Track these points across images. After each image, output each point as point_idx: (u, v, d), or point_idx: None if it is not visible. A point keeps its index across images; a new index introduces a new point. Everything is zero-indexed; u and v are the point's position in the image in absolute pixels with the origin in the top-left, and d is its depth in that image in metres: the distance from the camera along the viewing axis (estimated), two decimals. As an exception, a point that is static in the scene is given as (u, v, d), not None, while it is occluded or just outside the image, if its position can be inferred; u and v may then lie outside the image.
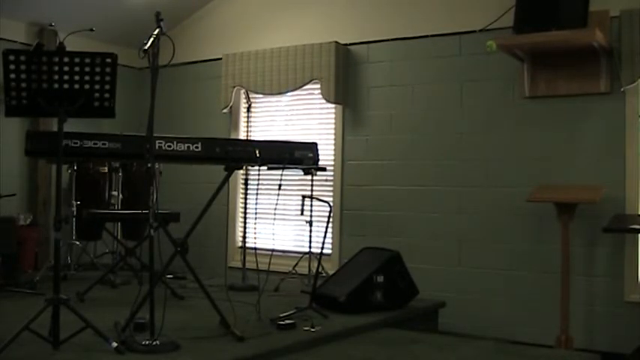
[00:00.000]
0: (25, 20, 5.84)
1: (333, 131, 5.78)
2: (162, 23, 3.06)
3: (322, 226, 4.19)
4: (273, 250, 4.75)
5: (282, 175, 3.84)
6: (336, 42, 5.59)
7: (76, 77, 3.07)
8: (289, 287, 5.00)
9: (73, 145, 3.44)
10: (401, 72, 5.45)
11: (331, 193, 5.68)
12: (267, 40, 6.05)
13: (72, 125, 3.20)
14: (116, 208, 5.57)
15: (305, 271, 5.20)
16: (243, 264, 5.27)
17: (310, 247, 5.10)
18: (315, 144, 4.07)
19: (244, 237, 5.57)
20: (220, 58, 6.22)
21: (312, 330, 3.59)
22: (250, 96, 5.85)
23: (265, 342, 3.31)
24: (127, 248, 4.86)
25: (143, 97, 6.17)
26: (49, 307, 2.94)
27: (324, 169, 5.09)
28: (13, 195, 5.24)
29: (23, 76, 3.03)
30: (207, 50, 6.50)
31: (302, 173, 4.81)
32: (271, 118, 6.20)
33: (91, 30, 5.53)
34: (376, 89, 5.57)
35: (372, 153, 5.55)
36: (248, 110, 5.85)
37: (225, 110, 6.19)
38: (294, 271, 5.29)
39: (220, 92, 6.18)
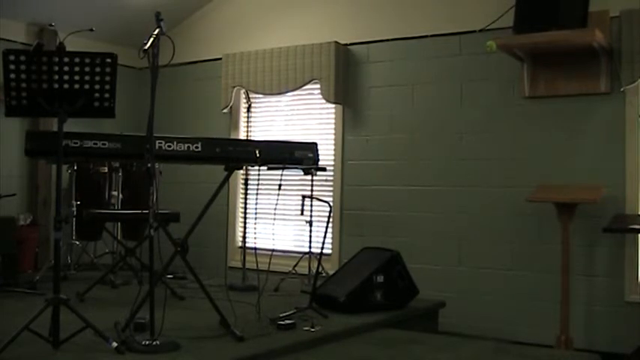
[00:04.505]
0: (25, 20, 5.84)
1: (333, 131, 5.78)
2: (162, 23, 3.06)
3: (322, 226, 4.19)
4: (273, 250, 4.75)
5: (282, 175, 3.84)
6: (336, 42, 5.59)
7: (76, 77, 3.07)
8: (289, 287, 5.00)
9: (73, 145, 3.43)
10: (401, 72, 5.45)
11: (331, 193, 5.68)
12: (267, 40, 6.05)
13: (72, 125, 3.20)
14: (116, 208, 5.56)
15: (305, 271, 5.20)
16: (243, 264, 5.27)
17: (310, 247, 5.10)
18: (315, 144, 4.06)
19: (244, 237, 5.57)
20: (220, 58, 6.23)
21: (312, 330, 3.59)
22: (250, 96, 5.84)
23: (265, 342, 3.30)
24: (127, 248, 4.86)
25: (143, 97, 6.17)
26: (49, 307, 2.94)
27: (324, 169, 5.09)
28: (13, 195, 5.24)
29: (23, 76, 3.03)
30: (207, 50, 6.50)
31: (302, 173, 4.81)
32: (271, 118, 6.20)
33: (91, 30, 5.53)
34: (376, 89, 5.57)
35: (372, 153, 5.55)
36: (248, 110, 5.85)
37: (225, 110, 6.19)
38: (294, 271, 5.29)
39: (220, 92, 6.18)
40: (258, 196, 5.46)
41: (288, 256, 5.55)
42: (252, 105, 5.88)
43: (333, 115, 5.80)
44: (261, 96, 6.08)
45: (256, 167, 4.00)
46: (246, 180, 5.64)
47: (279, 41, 5.94)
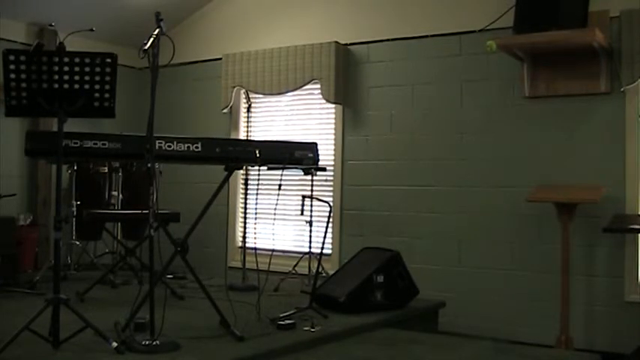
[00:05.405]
0: (25, 20, 5.84)
1: (333, 131, 5.78)
2: (162, 23, 3.06)
3: (322, 226, 4.19)
4: (273, 250, 4.75)
5: (282, 175, 3.84)
6: (336, 42, 5.59)
7: (76, 77, 3.07)
8: (289, 287, 5.00)
9: (73, 145, 3.43)
10: (401, 72, 5.45)
11: (331, 193, 5.68)
12: (267, 40, 6.05)
13: (72, 125, 3.20)
14: (116, 208, 5.57)
15: (305, 271, 5.20)
16: (243, 264, 5.27)
17: (310, 247, 5.10)
18: (315, 144, 4.06)
19: (244, 237, 5.57)
20: (220, 58, 6.23)
21: (312, 330, 3.59)
22: (250, 96, 5.85)
23: (265, 342, 3.31)
24: (127, 248, 4.86)
25: (143, 97, 6.17)
26: (49, 307, 2.94)
27: (324, 169, 5.09)
28: (13, 195, 5.24)
29: (23, 76, 3.03)
30: (207, 50, 6.50)
31: (302, 173, 4.81)
32: (271, 118, 6.20)
33: (91, 30, 5.53)
34: (376, 89, 5.57)
35: (372, 153, 5.55)
36: (248, 110, 5.85)
37: (225, 110, 6.19)
38: (294, 271, 5.29)
39: (220, 92, 6.18)
40: (258, 196, 5.47)
41: (288, 256, 5.54)
42: (252, 105, 5.88)
43: (333, 115, 5.80)
44: (261, 96, 6.08)
45: (256, 167, 4.00)
46: (246, 180, 5.65)
47: (279, 41, 5.93)
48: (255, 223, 5.98)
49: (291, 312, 3.81)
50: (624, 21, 4.43)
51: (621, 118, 4.53)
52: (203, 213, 3.64)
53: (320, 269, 4.22)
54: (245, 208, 6.02)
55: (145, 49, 2.96)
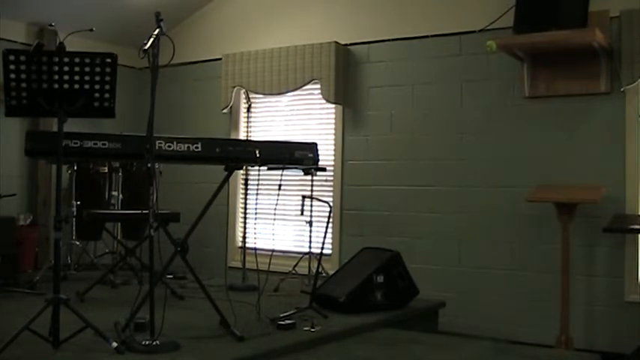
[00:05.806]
0: (25, 20, 5.84)
1: (333, 131, 5.78)
2: (162, 23, 3.06)
3: (322, 226, 4.19)
4: (273, 250, 4.75)
5: (282, 175, 3.84)
6: (336, 42, 5.59)
7: (76, 77, 3.07)
8: (289, 287, 5.00)
9: (73, 145, 3.43)
10: (401, 72, 5.45)
11: (331, 193, 5.68)
12: (267, 40, 6.06)
13: (72, 125, 3.20)
14: (116, 208, 5.57)
15: (305, 271, 5.20)
16: (243, 264, 5.27)
17: (310, 247, 5.11)
18: (315, 144, 4.06)
19: (244, 237, 5.57)
20: (220, 58, 6.23)
21: (312, 330, 3.59)
22: (250, 96, 5.84)
23: (265, 342, 3.31)
24: (127, 248, 4.86)
25: (143, 97, 6.17)
26: (49, 307, 2.94)
27: (324, 169, 5.10)
28: (13, 195, 5.24)
29: (23, 76, 3.03)
30: (207, 50, 6.50)
31: (302, 173, 4.82)
32: (271, 118, 6.20)
33: (91, 30, 5.54)
34: (376, 89, 5.57)
35: (372, 153, 5.55)
36: (248, 110, 5.85)
37: (225, 110, 6.19)
38: (294, 271, 5.29)
39: (220, 92, 6.18)
40: (258, 196, 5.47)
41: (288, 256, 5.54)
42: (252, 105, 5.88)
43: (333, 115, 5.80)
44: (261, 96, 6.08)
45: (256, 167, 4.00)
46: (246, 180, 5.64)
47: (279, 41, 5.94)
48: (255, 223, 5.99)
49: (291, 312, 3.81)
50: (624, 21, 4.44)
51: (621, 118, 4.53)
52: (203, 213, 3.64)
53: (320, 269, 4.22)
54: (245, 208, 6.03)
55: (145, 49, 2.96)
